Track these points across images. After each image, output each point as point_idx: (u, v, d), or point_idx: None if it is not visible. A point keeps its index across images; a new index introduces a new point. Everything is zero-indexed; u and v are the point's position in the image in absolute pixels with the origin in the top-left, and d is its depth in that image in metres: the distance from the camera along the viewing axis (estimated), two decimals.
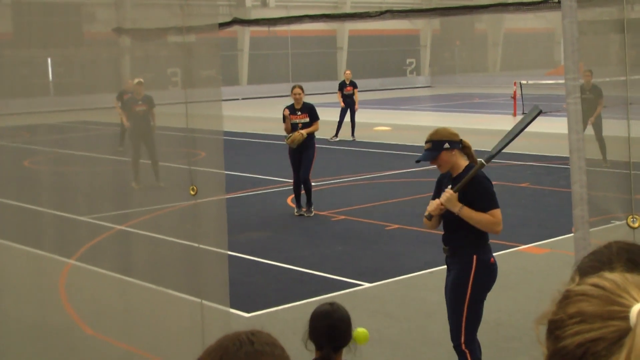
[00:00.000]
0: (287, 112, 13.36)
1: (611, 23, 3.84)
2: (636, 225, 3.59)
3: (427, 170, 17.23)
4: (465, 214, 5.78)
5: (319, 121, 13.56)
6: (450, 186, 5.86)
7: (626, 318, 1.25)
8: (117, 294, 7.77)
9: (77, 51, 12.52)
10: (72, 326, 7.85)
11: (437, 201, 5.88)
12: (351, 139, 23.05)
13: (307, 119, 13.42)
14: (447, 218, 5.95)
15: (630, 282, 1.32)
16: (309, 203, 13.45)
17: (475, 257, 5.83)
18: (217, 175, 6.03)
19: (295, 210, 13.42)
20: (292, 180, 13.69)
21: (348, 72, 24.58)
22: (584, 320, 1.28)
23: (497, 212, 5.80)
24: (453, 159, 5.91)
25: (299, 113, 13.49)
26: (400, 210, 13.39)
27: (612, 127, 3.71)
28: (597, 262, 1.91)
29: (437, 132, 6.02)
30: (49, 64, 14.99)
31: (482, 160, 5.79)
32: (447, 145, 5.88)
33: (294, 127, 13.34)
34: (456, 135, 6.01)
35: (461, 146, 5.95)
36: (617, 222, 3.85)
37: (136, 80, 13.83)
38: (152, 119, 13.64)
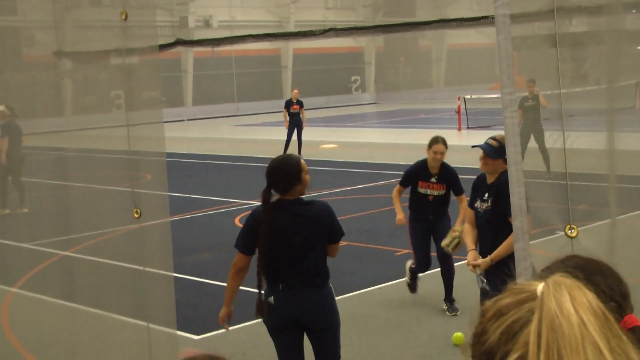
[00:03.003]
0: (398, 190, 9.00)
1: (544, 38, 3.91)
2: (574, 234, 3.66)
3: (372, 186, 17.32)
4: (498, 257, 6.19)
5: (464, 195, 8.50)
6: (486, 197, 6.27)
7: (536, 297, 1.33)
8: (62, 321, 7.64)
9: (16, 75, 12.35)
10: (16, 356, 7.69)
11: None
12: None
13: (443, 191, 8.73)
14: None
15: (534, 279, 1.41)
16: (450, 298, 8.91)
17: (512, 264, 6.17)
18: (161, 197, 5.98)
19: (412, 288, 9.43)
20: (240, 201, 13.56)
21: (296, 91, 24.64)
22: (502, 314, 1.35)
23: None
24: (500, 169, 6.20)
25: (434, 180, 8.71)
26: (348, 227, 13.36)
27: (550, 139, 3.80)
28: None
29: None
30: None
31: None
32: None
33: (420, 199, 8.80)
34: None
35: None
36: (560, 233, 3.91)
37: (1, 107, 13.89)
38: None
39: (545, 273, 1.53)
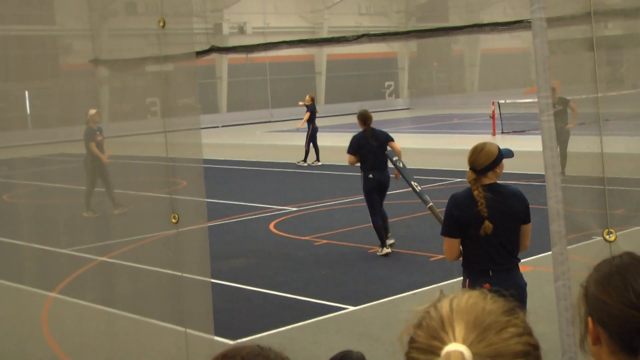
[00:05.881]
0: None
1: (580, 41, 3.90)
2: (612, 238, 3.64)
3: (407, 192, 17.28)
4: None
5: None
6: None
7: (439, 355, 1.38)
8: (100, 326, 7.72)
9: (54, 83, 12.52)
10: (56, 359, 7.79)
11: None
12: (304, 163, 23.34)
13: None
14: None
15: (464, 312, 1.43)
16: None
17: (467, 281, 5.88)
18: (198, 203, 6.03)
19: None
20: (275, 207, 13.59)
21: (307, 97, 24.53)
22: (417, 349, 1.44)
23: (444, 240, 5.87)
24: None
25: None
26: None
27: (587, 144, 3.76)
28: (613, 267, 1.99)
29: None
30: (26, 96, 14.96)
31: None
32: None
33: None
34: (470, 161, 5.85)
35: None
36: (597, 238, 3.89)
37: (94, 111, 13.99)
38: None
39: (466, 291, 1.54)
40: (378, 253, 11.77)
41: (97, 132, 14.11)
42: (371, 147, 11.72)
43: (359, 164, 11.98)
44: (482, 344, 1.36)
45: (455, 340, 1.37)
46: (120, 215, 11.69)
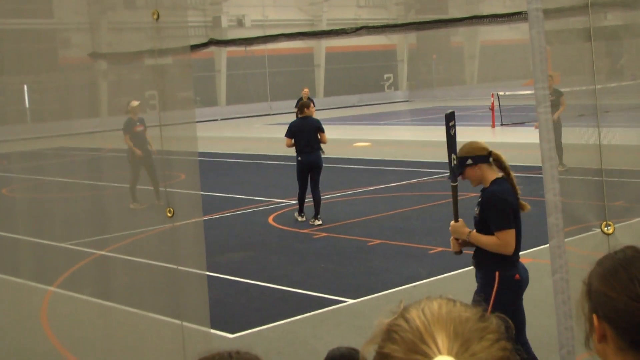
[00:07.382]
0: None
1: (578, 32, 3.87)
2: (610, 231, 3.61)
3: (406, 184, 17.27)
4: (474, 239, 5.81)
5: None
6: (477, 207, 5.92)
7: None
8: (98, 319, 7.72)
9: (52, 77, 12.49)
10: (55, 353, 7.79)
11: (452, 237, 5.95)
12: None
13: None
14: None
15: (441, 321, 1.35)
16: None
17: (497, 273, 5.74)
18: (194, 196, 6.01)
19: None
20: (274, 200, 13.60)
21: (306, 90, 24.27)
22: None
23: (503, 234, 5.68)
24: (479, 174, 5.88)
25: None
26: (382, 225, 13.39)
27: (586, 135, 3.73)
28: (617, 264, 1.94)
29: (463, 148, 5.94)
30: (25, 90, 14.93)
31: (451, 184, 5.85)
32: (469, 161, 5.84)
33: None
34: (482, 149, 5.90)
35: (491, 159, 5.86)
36: (596, 230, 3.86)
37: (136, 103, 13.79)
38: (148, 139, 13.74)
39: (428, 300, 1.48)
40: (310, 222, 13.59)
41: (137, 123, 13.91)
42: (304, 133, 13.51)
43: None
44: (467, 354, 1.30)
45: (440, 353, 1.30)
46: (119, 209, 11.67)
